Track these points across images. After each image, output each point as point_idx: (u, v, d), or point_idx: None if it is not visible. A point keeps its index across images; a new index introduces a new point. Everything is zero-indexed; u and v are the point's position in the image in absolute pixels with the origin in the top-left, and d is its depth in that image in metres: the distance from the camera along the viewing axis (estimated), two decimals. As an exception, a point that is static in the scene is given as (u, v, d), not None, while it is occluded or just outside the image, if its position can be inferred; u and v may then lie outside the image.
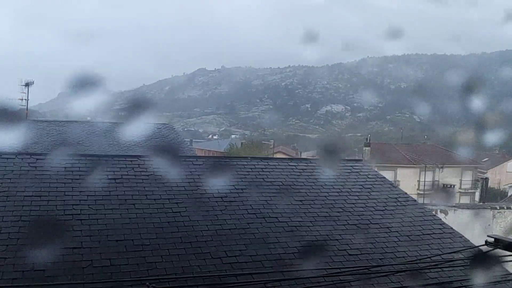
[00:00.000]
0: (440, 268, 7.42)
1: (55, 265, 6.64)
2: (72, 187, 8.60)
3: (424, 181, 47.27)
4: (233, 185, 9.66)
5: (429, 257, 7.75)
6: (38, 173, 8.90)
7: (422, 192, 44.76)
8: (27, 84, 22.48)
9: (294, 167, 10.99)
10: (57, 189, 8.44)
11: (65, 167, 9.19)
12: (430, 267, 7.39)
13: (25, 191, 8.24)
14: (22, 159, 9.27)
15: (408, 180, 43.72)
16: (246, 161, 11.00)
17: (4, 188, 8.21)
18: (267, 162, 11.16)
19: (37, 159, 9.31)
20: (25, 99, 22.68)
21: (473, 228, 20.52)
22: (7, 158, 9.24)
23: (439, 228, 9.56)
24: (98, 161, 9.86)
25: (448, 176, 47.83)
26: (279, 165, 11.06)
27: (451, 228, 9.77)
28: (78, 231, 7.45)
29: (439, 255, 8.04)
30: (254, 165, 10.72)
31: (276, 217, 8.79)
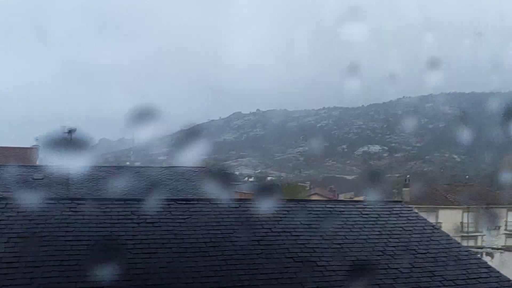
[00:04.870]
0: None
1: (94, 310, 6.68)
2: (111, 231, 8.73)
3: (468, 222, 45.48)
4: (270, 228, 9.58)
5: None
6: (79, 217, 9.09)
7: (466, 234, 43.02)
8: (70, 131, 23.29)
9: (331, 209, 10.84)
10: (97, 233, 8.58)
11: (104, 212, 9.38)
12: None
13: (66, 235, 8.41)
14: (63, 204, 9.53)
15: (451, 222, 42.17)
16: (283, 204, 10.92)
17: (46, 233, 8.41)
18: (303, 204, 11.05)
19: (78, 204, 9.55)
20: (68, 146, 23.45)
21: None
22: (50, 203, 9.51)
23: (485, 272, 9.13)
24: (136, 205, 10.00)
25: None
26: (316, 207, 10.93)
27: (498, 272, 9.30)
28: (117, 275, 7.49)
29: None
30: (291, 207, 10.63)
31: (315, 261, 8.62)
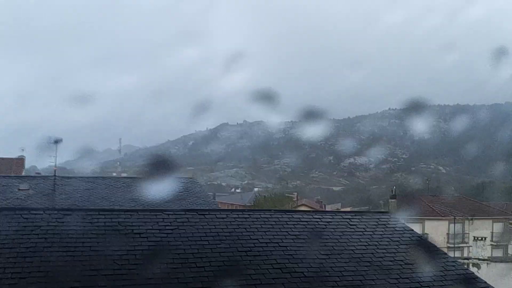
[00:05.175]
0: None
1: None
2: (98, 242, 8.64)
3: (454, 233, 45.80)
4: (257, 239, 9.56)
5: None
6: (65, 228, 8.99)
7: (452, 245, 43.31)
8: (56, 142, 23.09)
9: (319, 219, 10.85)
10: (83, 244, 8.48)
11: (91, 222, 9.28)
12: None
13: (52, 246, 8.31)
14: (49, 214, 9.41)
15: (437, 233, 42.45)
16: (270, 214, 10.92)
17: (32, 243, 8.30)
18: (291, 215, 11.05)
19: (64, 214, 9.44)
20: (54, 156, 23.24)
21: (508, 282, 19.62)
22: (35, 214, 9.39)
23: (473, 283, 9.20)
24: (123, 215, 9.92)
25: (478, 228, 46.28)
26: (303, 217, 10.94)
27: (485, 282, 9.38)
28: (103, 287, 7.42)
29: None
30: (278, 218, 10.62)
31: (302, 272, 8.60)
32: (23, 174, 34.49)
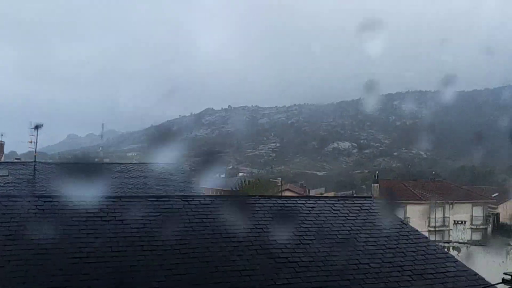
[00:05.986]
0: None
1: (62, 310, 6.51)
2: (80, 229, 8.52)
3: (435, 217, 46.58)
4: (241, 225, 9.54)
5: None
6: (46, 215, 8.85)
7: (433, 229, 44.06)
8: (36, 127, 22.63)
9: (302, 205, 10.88)
10: (64, 231, 8.36)
11: (72, 209, 9.14)
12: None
13: (32, 234, 8.16)
14: (29, 201, 9.24)
15: (418, 217, 43.11)
16: (254, 200, 10.90)
17: (11, 231, 8.15)
18: (275, 200, 11.05)
19: (44, 201, 9.28)
20: (34, 142, 22.79)
21: (487, 265, 20.04)
22: (15, 201, 9.21)
23: (453, 266, 9.35)
24: (106, 202, 9.80)
25: (458, 212, 47.16)
26: (287, 203, 10.95)
27: (465, 265, 9.54)
28: (86, 275, 7.33)
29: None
30: (262, 203, 10.61)
31: (286, 257, 8.63)
32: (2, 159, 33.86)
